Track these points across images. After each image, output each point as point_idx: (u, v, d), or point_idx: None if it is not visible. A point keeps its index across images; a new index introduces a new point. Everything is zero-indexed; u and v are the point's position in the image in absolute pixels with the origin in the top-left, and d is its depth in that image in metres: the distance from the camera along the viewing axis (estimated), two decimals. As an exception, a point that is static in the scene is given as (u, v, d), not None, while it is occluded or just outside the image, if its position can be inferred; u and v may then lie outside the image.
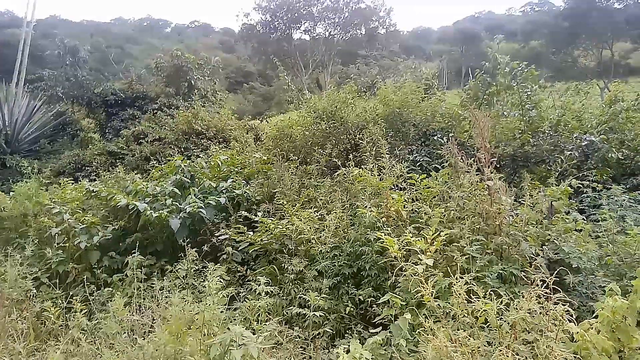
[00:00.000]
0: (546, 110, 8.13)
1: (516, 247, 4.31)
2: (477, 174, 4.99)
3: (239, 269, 5.62)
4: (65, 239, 6.45)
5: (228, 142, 12.80)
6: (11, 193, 8.07)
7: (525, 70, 7.69)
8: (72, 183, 8.90)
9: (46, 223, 6.51)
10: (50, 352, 3.92)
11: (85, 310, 4.61)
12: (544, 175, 6.58)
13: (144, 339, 3.09)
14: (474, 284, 3.40)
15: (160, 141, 13.07)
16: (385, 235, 4.12)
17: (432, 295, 3.42)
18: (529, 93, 7.72)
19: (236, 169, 8.51)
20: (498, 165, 6.76)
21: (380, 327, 3.74)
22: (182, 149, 12.40)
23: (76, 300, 4.75)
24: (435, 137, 7.42)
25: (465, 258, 4.08)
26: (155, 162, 10.92)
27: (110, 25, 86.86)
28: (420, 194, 5.43)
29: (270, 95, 43.71)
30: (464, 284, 3.37)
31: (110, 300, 4.77)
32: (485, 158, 5.03)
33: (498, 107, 8.29)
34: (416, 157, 6.95)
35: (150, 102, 16.81)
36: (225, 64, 37.12)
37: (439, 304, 3.45)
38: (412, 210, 5.11)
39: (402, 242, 4.14)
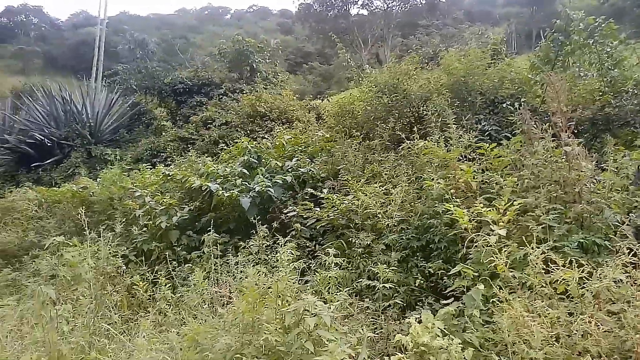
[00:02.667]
0: (630, 69, 7.42)
1: (599, 215, 4.04)
2: (552, 140, 4.71)
3: (307, 245, 5.76)
4: (148, 219, 6.93)
5: (291, 123, 13.01)
6: (98, 179, 8.78)
7: (603, 25, 7.03)
8: (150, 168, 9.52)
9: (130, 205, 7.03)
10: (142, 321, 4.28)
11: (169, 285, 4.95)
12: (629, 139, 6.07)
13: (223, 309, 3.29)
14: (552, 254, 3.25)
15: (227, 125, 13.54)
16: (454, 207, 4.04)
17: (506, 266, 3.32)
18: (608, 51, 7.08)
19: (300, 148, 8.66)
20: (576, 131, 6.32)
21: (452, 299, 3.69)
22: (248, 132, 12.77)
23: (161, 275, 5.13)
24: (504, 105, 7.04)
25: (542, 228, 3.89)
26: (223, 145, 11.36)
27: (174, 17, 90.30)
28: (491, 164, 5.22)
29: (329, 74, 43.46)
30: (541, 254, 3.24)
31: (190, 276, 5.10)
32: (561, 123, 4.74)
33: (574, 68, 7.69)
34: (484, 126, 6.65)
35: (215, 88, 17.39)
36: (284, 45, 37.32)
37: (513, 275, 3.35)
38: (482, 180, 4.93)
39: (472, 213, 4.04)
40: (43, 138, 14.82)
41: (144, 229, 6.74)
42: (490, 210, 3.88)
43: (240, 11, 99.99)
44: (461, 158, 5.35)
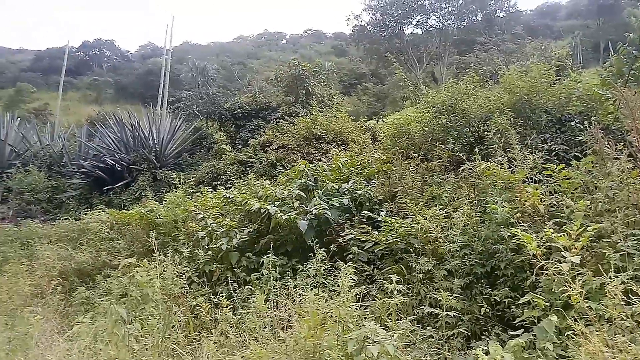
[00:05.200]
0: None
1: (685, 242, 3.71)
2: (628, 161, 4.41)
3: (365, 269, 5.70)
4: (209, 241, 7.15)
5: (346, 144, 13.07)
6: (163, 202, 9.21)
7: (683, 36, 6.58)
8: (211, 191, 9.86)
9: (193, 227, 7.30)
10: (204, 342, 4.39)
11: (230, 306, 5.05)
12: None
13: (285, 333, 3.31)
14: (633, 284, 3.02)
15: (284, 148, 13.81)
16: (521, 232, 3.86)
17: (581, 296, 3.11)
18: (689, 63, 6.59)
19: (356, 170, 8.64)
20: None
21: (522, 330, 3.50)
22: (304, 154, 12.96)
23: (222, 296, 5.26)
24: (572, 123, 6.70)
25: (620, 255, 3.63)
26: (281, 168, 11.58)
27: (232, 44, 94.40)
28: (559, 185, 4.96)
29: (384, 94, 43.41)
30: (620, 284, 3.02)
31: (250, 297, 5.19)
32: (637, 142, 4.44)
33: (649, 83, 7.22)
34: (551, 146, 6.36)
35: (272, 112, 17.86)
36: (338, 67, 37.86)
37: (590, 306, 3.13)
38: (550, 204, 4.69)
39: (541, 238, 3.85)
40: (114, 163, 15.80)
41: (206, 250, 6.95)
42: (561, 235, 3.67)
43: (295, 36, 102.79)
44: (527, 180, 5.13)
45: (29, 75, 64.25)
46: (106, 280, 6.63)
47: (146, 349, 3.65)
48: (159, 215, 8.45)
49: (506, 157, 5.59)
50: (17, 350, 4.40)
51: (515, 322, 3.71)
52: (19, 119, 22.05)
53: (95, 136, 19.00)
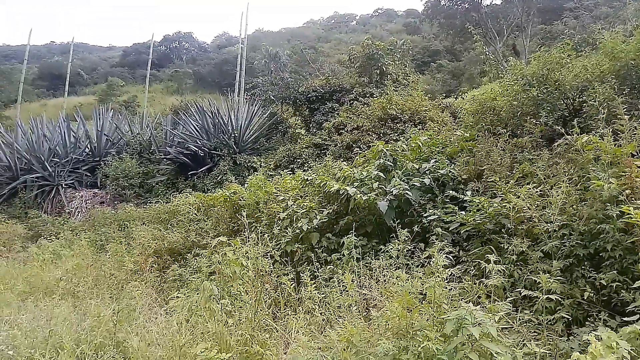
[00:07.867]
0: None
1: None
2: None
3: (450, 250, 5.49)
4: (290, 222, 7.29)
5: (424, 124, 12.66)
6: (245, 185, 9.53)
7: None
8: (289, 174, 10.04)
9: (275, 209, 7.47)
10: (289, 319, 4.49)
11: (314, 285, 5.12)
12: None
13: (376, 312, 3.27)
14: None
15: (359, 129, 13.67)
16: (634, 210, 3.49)
17: None
18: None
19: (437, 149, 8.34)
20: None
21: (638, 317, 3.18)
22: (380, 135, 12.75)
23: (306, 275, 5.34)
24: (689, 89, 5.94)
25: None
26: (357, 150, 11.49)
27: (303, 29, 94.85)
28: (677, 159, 4.42)
29: (459, 71, 41.39)
30: None
31: (332, 277, 5.22)
32: None
33: None
34: (664, 115, 5.67)
35: (346, 94, 17.68)
36: (411, 45, 36.66)
37: None
38: (666, 179, 4.20)
39: (658, 217, 3.46)
40: (197, 149, 16.60)
41: (287, 231, 7.09)
42: (683, 214, 3.27)
43: (365, 16, 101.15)
44: (636, 154, 4.62)
45: (118, 70, 69.41)
46: (196, 259, 7.02)
47: (240, 323, 3.80)
48: (242, 197, 8.74)
49: (610, 130, 5.07)
50: (123, 321, 4.78)
51: (628, 308, 3.39)
52: (112, 110, 23.82)
53: (179, 124, 20.03)
